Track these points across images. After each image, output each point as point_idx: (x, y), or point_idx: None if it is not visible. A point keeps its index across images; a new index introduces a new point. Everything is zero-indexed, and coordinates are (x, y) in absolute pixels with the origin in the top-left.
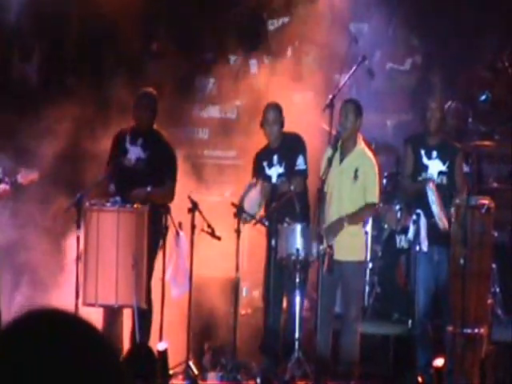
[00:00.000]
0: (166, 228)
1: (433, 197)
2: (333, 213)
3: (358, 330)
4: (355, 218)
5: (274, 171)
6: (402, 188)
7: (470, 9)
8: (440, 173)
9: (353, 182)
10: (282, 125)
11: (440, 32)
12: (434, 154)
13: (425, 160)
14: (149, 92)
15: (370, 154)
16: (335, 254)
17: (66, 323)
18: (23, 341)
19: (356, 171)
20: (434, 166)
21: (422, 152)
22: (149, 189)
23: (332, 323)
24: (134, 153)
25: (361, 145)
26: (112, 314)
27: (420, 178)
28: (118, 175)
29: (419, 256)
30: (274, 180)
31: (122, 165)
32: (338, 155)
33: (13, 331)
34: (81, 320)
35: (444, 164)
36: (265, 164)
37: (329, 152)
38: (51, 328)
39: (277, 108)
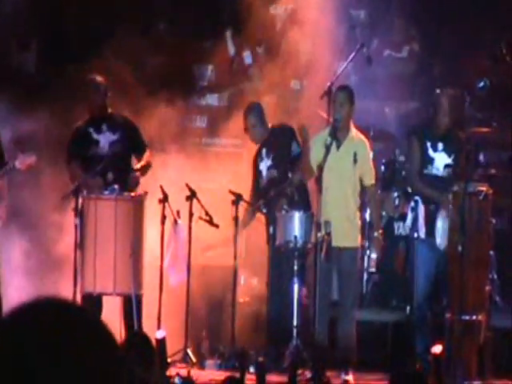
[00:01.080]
0: (164, 216)
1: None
2: (333, 198)
3: (355, 317)
4: (376, 214)
5: (264, 165)
6: (412, 187)
7: None
8: (446, 166)
9: (353, 165)
10: (265, 124)
11: (437, 19)
12: (440, 146)
13: (431, 153)
14: (96, 78)
15: (363, 137)
16: (335, 241)
17: (67, 312)
18: (26, 330)
19: (355, 155)
20: (440, 159)
21: (428, 144)
22: (138, 166)
23: (329, 310)
24: (105, 139)
25: (354, 129)
26: (93, 302)
27: (426, 171)
28: (99, 165)
29: (419, 242)
30: (264, 173)
31: (98, 156)
32: (334, 142)
33: (15, 320)
34: (82, 309)
35: (449, 157)
36: (258, 161)
37: (327, 139)
38: (53, 317)
39: (255, 110)
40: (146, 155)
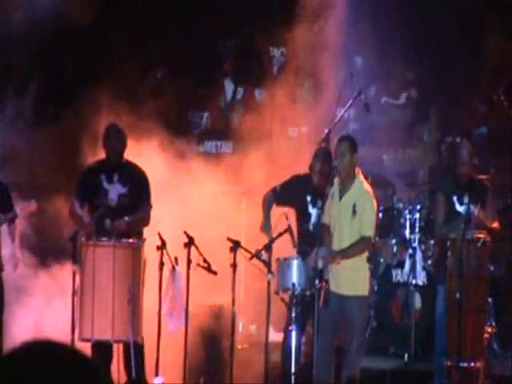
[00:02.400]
0: (162, 263)
1: None
2: (336, 245)
3: (359, 364)
4: (348, 252)
5: (314, 211)
6: (438, 234)
7: (464, 42)
8: (469, 215)
9: (352, 218)
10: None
11: (435, 66)
12: (466, 198)
13: (457, 207)
14: (118, 124)
15: (367, 187)
16: (338, 288)
17: (63, 356)
18: (21, 371)
19: (354, 207)
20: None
21: (455, 199)
22: (127, 218)
23: (332, 357)
24: (115, 191)
25: (359, 179)
26: (101, 350)
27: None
28: (104, 215)
29: (439, 290)
30: (313, 220)
31: (107, 207)
32: (337, 192)
33: (11, 361)
34: (79, 353)
35: (475, 206)
36: (308, 203)
37: (332, 189)
38: (49, 360)
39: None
40: (144, 211)
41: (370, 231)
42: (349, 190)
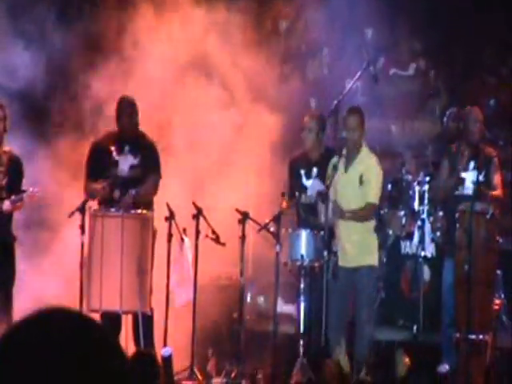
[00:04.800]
0: (171, 234)
1: None
2: (342, 220)
3: (370, 333)
4: (356, 214)
5: (310, 183)
6: (433, 189)
7: (474, 13)
8: (477, 184)
9: (359, 188)
10: (321, 138)
11: (443, 36)
12: (471, 165)
13: (462, 173)
14: (130, 97)
15: (373, 156)
16: (347, 262)
17: (77, 323)
18: (33, 340)
19: (361, 177)
20: (471, 178)
21: (460, 166)
22: (133, 191)
23: (344, 329)
24: (126, 162)
25: (364, 149)
26: (110, 321)
27: (457, 193)
28: (115, 186)
29: (447, 263)
30: (308, 192)
31: (116, 177)
32: (342, 162)
33: (24, 329)
34: (90, 320)
35: (480, 174)
36: (304, 175)
37: (334, 159)
38: (62, 327)
39: (320, 118)
40: (152, 182)
41: (373, 198)
42: (355, 161)
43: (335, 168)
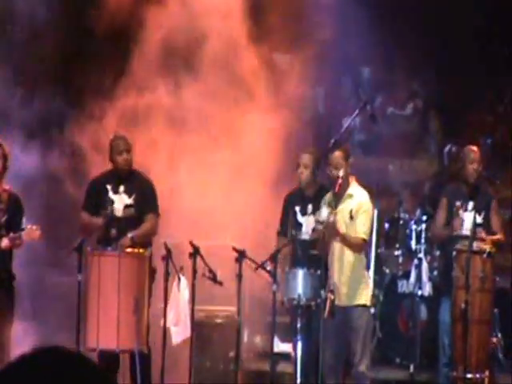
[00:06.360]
0: (168, 273)
1: None
2: (335, 258)
3: (362, 373)
4: (346, 238)
5: (305, 221)
6: (433, 236)
7: (471, 52)
8: (476, 225)
9: (350, 223)
10: (315, 174)
11: (440, 76)
12: (470, 205)
13: (460, 213)
14: (121, 135)
15: (363, 192)
16: (340, 301)
17: (73, 361)
18: (30, 379)
19: (351, 212)
20: (470, 219)
21: (458, 204)
22: (129, 235)
23: (341, 368)
24: (121, 201)
25: (354, 185)
26: (107, 359)
27: (455, 233)
28: (110, 225)
29: (444, 300)
30: (304, 229)
31: (112, 217)
32: (333, 200)
33: (21, 368)
34: (87, 360)
35: (480, 215)
36: (299, 211)
37: (327, 197)
38: (58, 366)
39: (314, 154)
40: (151, 222)
41: (364, 233)
42: (344, 197)
43: (330, 205)
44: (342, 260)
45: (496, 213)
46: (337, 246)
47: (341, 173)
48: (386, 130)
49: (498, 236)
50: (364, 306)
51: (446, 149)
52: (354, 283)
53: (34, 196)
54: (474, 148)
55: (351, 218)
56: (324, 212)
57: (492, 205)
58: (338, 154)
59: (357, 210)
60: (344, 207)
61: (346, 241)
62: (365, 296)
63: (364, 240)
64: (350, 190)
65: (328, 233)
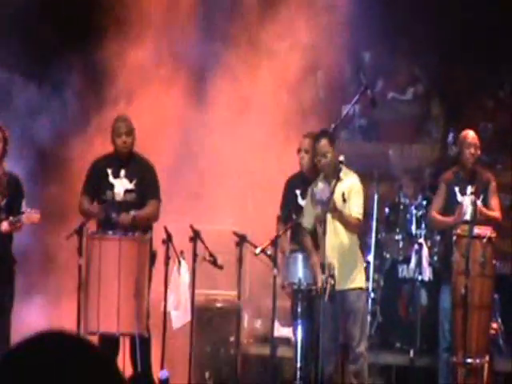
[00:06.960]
0: (168, 257)
1: None
2: (330, 242)
3: (362, 355)
4: (342, 214)
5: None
6: (429, 221)
7: (473, 38)
8: (475, 211)
9: (343, 206)
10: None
11: (442, 60)
12: (469, 190)
13: (458, 197)
14: (126, 116)
15: (353, 174)
16: (336, 285)
17: (74, 345)
18: (31, 362)
19: (343, 194)
20: (468, 202)
21: (456, 189)
22: (133, 212)
23: (336, 352)
24: (121, 186)
25: (343, 169)
26: (108, 343)
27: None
28: (110, 211)
29: (444, 285)
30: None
31: (112, 201)
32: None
33: (22, 350)
34: (89, 343)
35: (478, 199)
36: (299, 195)
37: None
38: (60, 350)
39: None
40: (152, 207)
41: (358, 213)
42: (334, 181)
43: (326, 181)
44: (337, 242)
45: (494, 195)
46: (328, 229)
47: (328, 159)
48: (386, 115)
49: (495, 214)
50: (360, 288)
51: (450, 138)
52: (349, 266)
53: None
54: (471, 132)
55: (344, 200)
56: (320, 186)
57: (490, 188)
58: (323, 142)
59: (349, 191)
60: (336, 191)
61: (343, 217)
62: (360, 278)
63: (359, 219)
64: (340, 174)
65: (324, 209)
